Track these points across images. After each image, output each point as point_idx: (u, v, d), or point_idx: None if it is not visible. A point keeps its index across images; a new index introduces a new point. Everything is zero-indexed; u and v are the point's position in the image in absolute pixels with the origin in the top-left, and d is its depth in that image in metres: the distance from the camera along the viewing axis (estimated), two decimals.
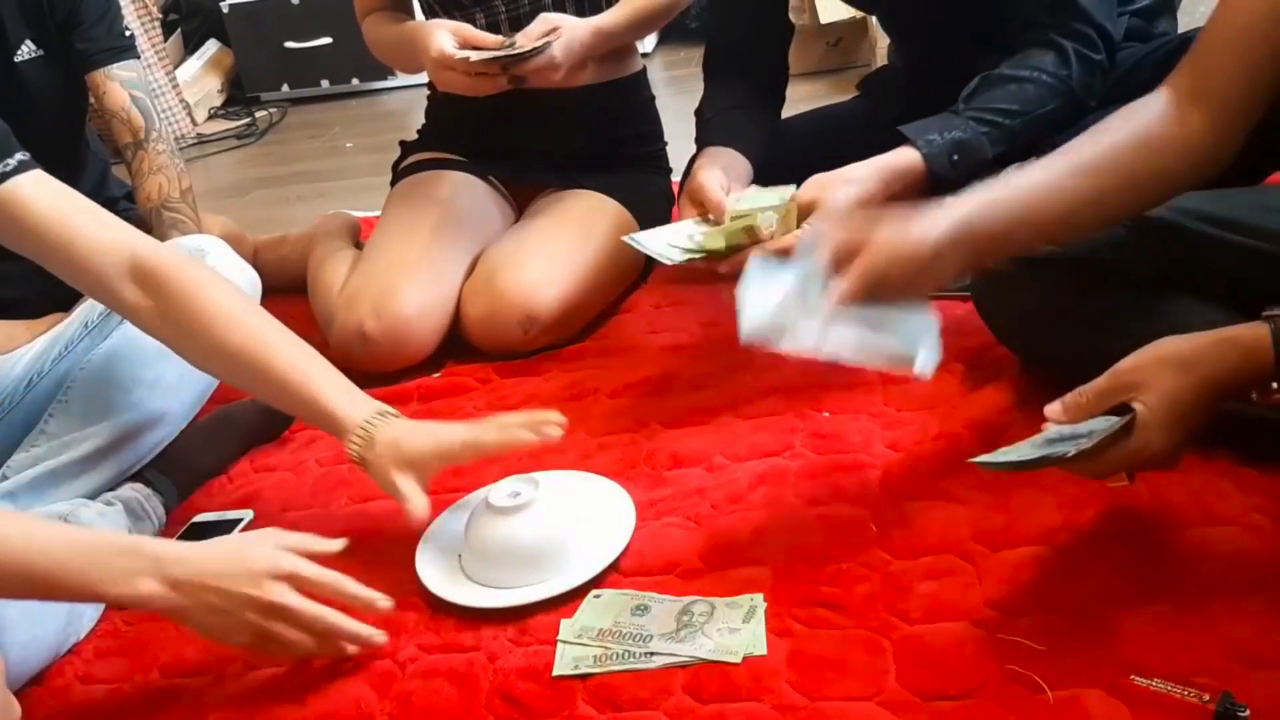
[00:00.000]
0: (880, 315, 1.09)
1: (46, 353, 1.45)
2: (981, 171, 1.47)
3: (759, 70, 1.71)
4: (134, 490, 1.40)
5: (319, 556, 1.13)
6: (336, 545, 1.16)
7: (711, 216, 1.47)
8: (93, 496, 1.37)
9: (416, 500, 1.21)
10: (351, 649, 1.13)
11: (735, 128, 1.62)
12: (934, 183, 1.41)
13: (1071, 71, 1.45)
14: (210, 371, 1.33)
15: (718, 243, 1.41)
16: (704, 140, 1.63)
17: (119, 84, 1.82)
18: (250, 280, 1.53)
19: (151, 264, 1.27)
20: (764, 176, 1.59)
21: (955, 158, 1.41)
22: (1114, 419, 0.99)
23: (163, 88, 3.48)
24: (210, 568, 1.07)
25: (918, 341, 1.10)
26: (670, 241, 1.46)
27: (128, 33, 1.86)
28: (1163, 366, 1.00)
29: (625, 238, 1.46)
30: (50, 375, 1.43)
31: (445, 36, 1.63)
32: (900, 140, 1.43)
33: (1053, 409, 1.04)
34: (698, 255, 1.44)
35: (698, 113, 1.69)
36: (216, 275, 1.34)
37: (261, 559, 1.09)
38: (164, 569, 1.06)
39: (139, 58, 1.89)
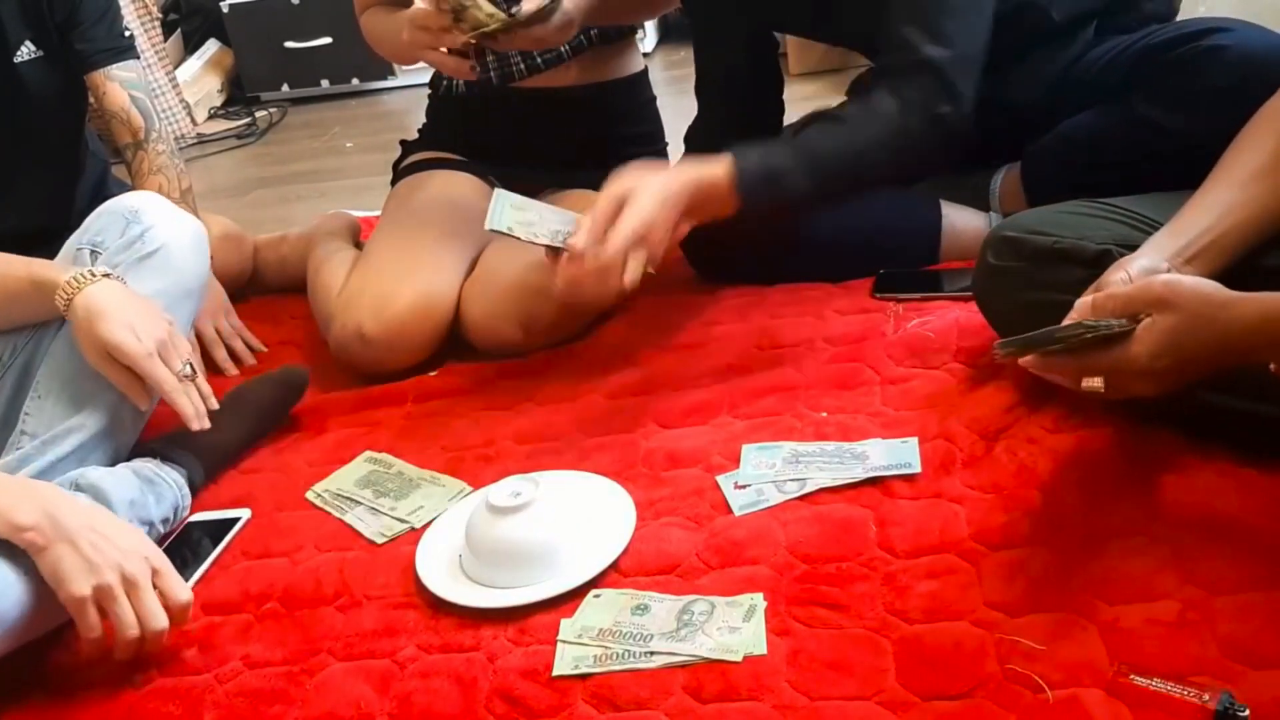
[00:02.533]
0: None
1: (4, 345, 1.43)
2: (787, 206, 1.44)
3: (753, 89, 1.71)
4: (143, 462, 1.40)
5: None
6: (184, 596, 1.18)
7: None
8: None
9: (140, 398, 1.34)
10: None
11: (718, 146, 1.62)
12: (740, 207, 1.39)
13: (909, 122, 1.42)
14: None
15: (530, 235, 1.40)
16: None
17: (119, 84, 1.82)
18: (195, 233, 1.49)
19: None
20: None
21: (766, 187, 1.38)
22: (1116, 321, 1.01)
23: (163, 88, 3.48)
24: (99, 523, 1.14)
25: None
26: (522, 219, 1.41)
27: (127, 33, 1.86)
28: (1194, 297, 1.00)
29: (497, 189, 1.42)
30: (12, 369, 1.42)
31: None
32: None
33: (1083, 303, 1.06)
34: (507, 235, 1.41)
35: (686, 138, 1.69)
36: None
37: (147, 542, 1.18)
38: (50, 506, 1.12)
39: (139, 58, 1.89)
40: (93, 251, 1.42)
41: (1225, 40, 1.44)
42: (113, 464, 1.39)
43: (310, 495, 1.44)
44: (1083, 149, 1.59)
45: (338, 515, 1.39)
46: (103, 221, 1.44)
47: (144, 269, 1.41)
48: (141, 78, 1.87)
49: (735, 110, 1.67)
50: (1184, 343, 0.99)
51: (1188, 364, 1.01)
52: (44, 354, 1.39)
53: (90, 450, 1.36)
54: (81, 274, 1.32)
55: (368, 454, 1.50)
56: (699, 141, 1.65)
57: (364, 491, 1.42)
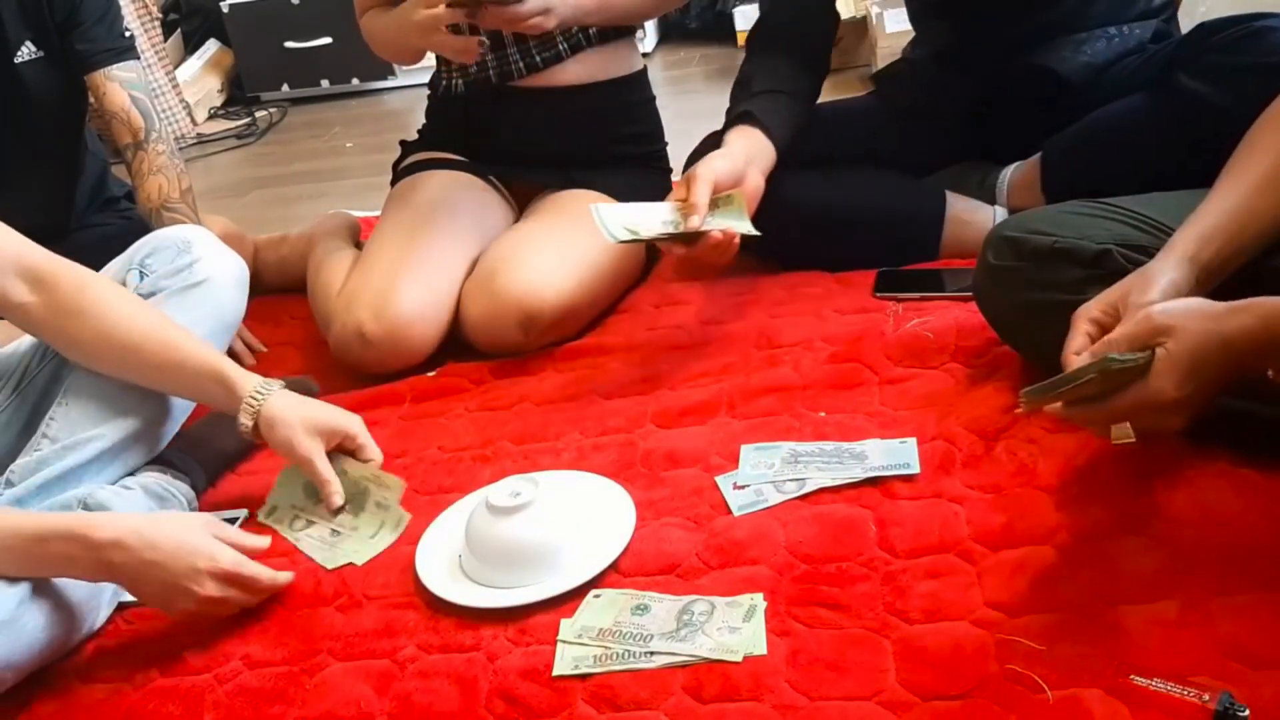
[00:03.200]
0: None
1: (34, 354, 1.44)
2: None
3: (804, 51, 1.72)
4: (153, 475, 1.40)
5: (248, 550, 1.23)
6: (264, 542, 1.27)
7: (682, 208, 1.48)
8: None
9: (336, 485, 1.35)
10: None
11: (770, 109, 1.64)
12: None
13: None
14: (100, 366, 1.37)
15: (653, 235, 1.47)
16: (738, 113, 1.64)
17: (119, 84, 1.82)
18: (238, 270, 1.53)
19: (39, 263, 1.33)
20: (787, 166, 1.64)
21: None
22: (1136, 354, 1.00)
23: (163, 88, 3.48)
24: (159, 546, 1.16)
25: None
26: (629, 223, 1.46)
27: (127, 33, 1.86)
28: (1193, 315, 1.01)
29: (590, 206, 1.47)
30: (40, 375, 1.43)
31: None
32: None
33: (1081, 357, 1.06)
34: (634, 240, 1.47)
35: (737, 84, 1.70)
36: (101, 276, 1.39)
37: (201, 539, 1.19)
38: (103, 555, 1.14)
39: (139, 58, 1.89)
40: (141, 273, 1.46)
41: (1277, 23, 1.47)
42: (128, 473, 1.40)
43: (261, 518, 1.40)
44: (1111, 136, 1.59)
45: (290, 539, 1.35)
46: (154, 247, 1.48)
47: (188, 297, 1.44)
48: (141, 78, 1.86)
49: (788, 62, 1.70)
50: (1203, 361, 0.99)
51: (1207, 384, 1.00)
52: (73, 365, 1.40)
53: (107, 461, 1.37)
54: (258, 390, 1.35)
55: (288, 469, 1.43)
56: (746, 93, 1.69)
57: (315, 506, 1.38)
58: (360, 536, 1.33)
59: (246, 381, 1.36)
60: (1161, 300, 1.07)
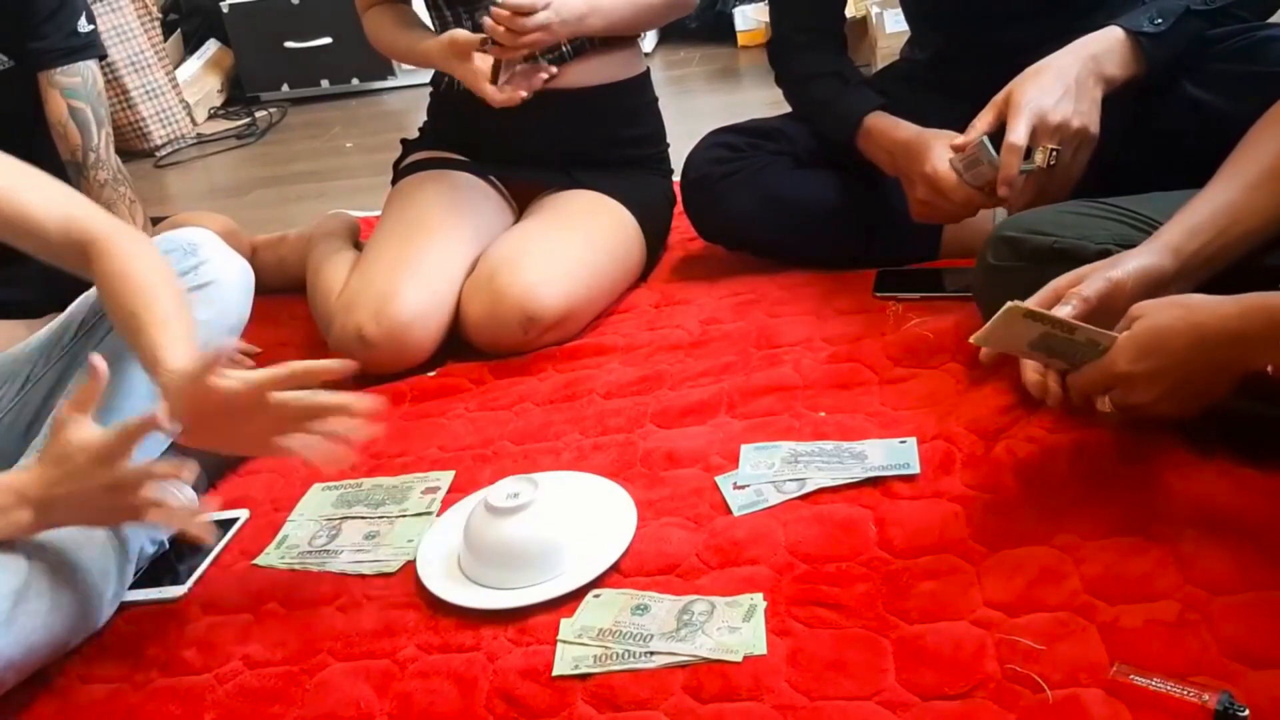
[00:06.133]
0: None
1: (39, 355, 1.44)
2: (1190, 34, 1.46)
3: (836, 46, 1.78)
4: None
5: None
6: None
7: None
8: None
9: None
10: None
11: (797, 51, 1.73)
12: (1148, 61, 1.43)
13: None
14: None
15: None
16: (867, 101, 1.67)
17: (59, 92, 1.67)
18: (244, 273, 1.52)
19: (84, 227, 1.28)
20: (809, 161, 1.66)
21: (1158, 21, 1.43)
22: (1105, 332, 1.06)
23: (163, 88, 3.48)
24: (59, 477, 1.12)
25: None
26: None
27: (84, 29, 1.70)
28: (1161, 302, 1.05)
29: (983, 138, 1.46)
30: (45, 378, 1.43)
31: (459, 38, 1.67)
32: None
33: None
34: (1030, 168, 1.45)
35: (836, 76, 1.72)
36: (142, 244, 1.32)
37: (83, 447, 1.12)
38: (26, 496, 1.12)
39: (97, 57, 1.75)
40: None
41: (1278, 33, 1.47)
42: None
43: (270, 560, 1.34)
44: (1112, 140, 1.60)
45: (318, 569, 1.29)
46: (162, 250, 1.45)
47: (193, 299, 1.43)
48: (90, 84, 1.70)
49: (810, 19, 1.76)
50: (1163, 340, 1.02)
51: (1174, 366, 1.02)
52: (77, 367, 1.40)
53: None
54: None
55: (318, 485, 1.46)
56: (779, 52, 1.75)
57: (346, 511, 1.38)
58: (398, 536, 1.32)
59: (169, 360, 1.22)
60: (1123, 275, 1.10)
